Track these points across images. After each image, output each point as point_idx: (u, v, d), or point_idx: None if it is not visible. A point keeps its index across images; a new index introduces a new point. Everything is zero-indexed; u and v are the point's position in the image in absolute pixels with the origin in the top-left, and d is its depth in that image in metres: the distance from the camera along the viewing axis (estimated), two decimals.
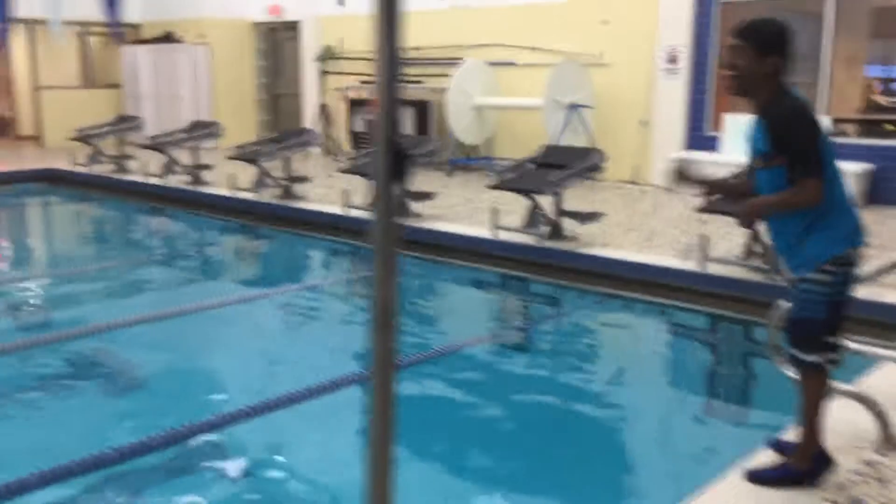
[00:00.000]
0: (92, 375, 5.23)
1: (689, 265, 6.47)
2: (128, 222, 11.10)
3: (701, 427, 4.64)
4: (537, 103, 11.05)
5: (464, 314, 7.00)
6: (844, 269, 3.00)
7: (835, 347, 3.08)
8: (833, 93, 10.01)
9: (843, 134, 10.09)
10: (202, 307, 6.45)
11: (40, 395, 4.85)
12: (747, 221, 3.02)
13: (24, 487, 3.52)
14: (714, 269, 6.35)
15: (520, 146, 11.15)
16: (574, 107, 11.05)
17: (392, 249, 1.49)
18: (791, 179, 2.89)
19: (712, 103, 10.68)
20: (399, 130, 1.39)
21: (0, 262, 8.83)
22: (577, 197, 9.48)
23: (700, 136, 10.63)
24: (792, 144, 2.87)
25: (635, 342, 6.22)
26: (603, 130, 11.25)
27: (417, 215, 8.62)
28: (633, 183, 11.07)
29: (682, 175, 3.17)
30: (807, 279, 3.01)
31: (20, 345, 5.52)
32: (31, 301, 7.12)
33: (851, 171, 9.10)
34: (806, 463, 3.20)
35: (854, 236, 3.02)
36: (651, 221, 8.37)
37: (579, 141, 10.89)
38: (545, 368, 5.55)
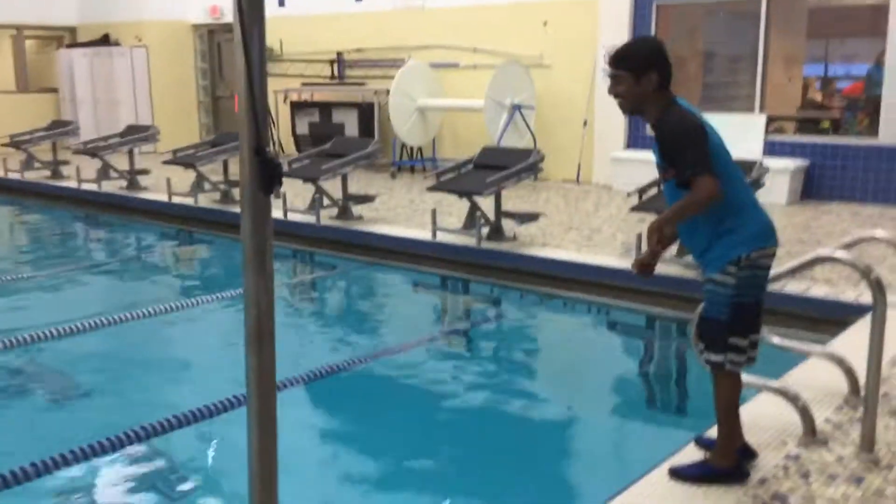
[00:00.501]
0: (24, 387, 5.08)
1: (627, 264, 6.50)
2: (62, 230, 10.82)
3: (633, 424, 4.66)
4: (480, 104, 11.04)
5: (404, 317, 6.94)
6: (748, 272, 3.01)
7: (741, 349, 3.08)
8: (770, 91, 10.17)
9: (781, 131, 10.26)
10: (137, 315, 6.29)
11: None
12: (654, 239, 3.01)
13: None
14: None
15: (464, 147, 11.13)
16: (516, 107, 11.07)
17: (265, 261, 1.43)
18: (683, 184, 2.91)
19: None
20: (265, 137, 1.32)
21: None
22: (519, 197, 9.49)
23: (640, 136, 10.71)
24: (678, 152, 2.92)
25: (574, 342, 6.22)
26: (545, 131, 11.28)
27: (359, 218, 8.54)
28: (575, 182, 11.12)
29: (645, 267, 3.09)
30: (711, 279, 3.05)
31: None
32: None
33: (788, 167, 9.26)
34: (727, 461, 3.21)
35: (760, 238, 3.04)
36: (592, 220, 8.40)
37: (522, 141, 10.91)
38: (484, 369, 5.52)
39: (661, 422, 4.75)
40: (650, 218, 6.88)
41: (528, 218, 7.58)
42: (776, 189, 8.75)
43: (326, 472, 3.98)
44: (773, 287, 4.79)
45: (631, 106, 3.05)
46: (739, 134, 9.48)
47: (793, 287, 5.73)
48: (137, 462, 3.99)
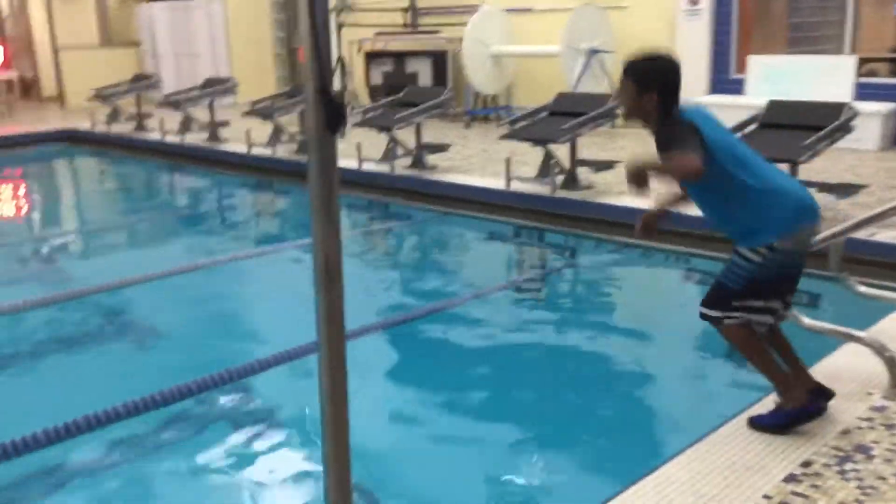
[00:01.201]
0: (111, 330, 5.29)
1: None
2: (147, 180, 11.14)
3: (711, 375, 4.58)
4: (555, 50, 10.81)
5: (477, 266, 6.95)
6: (780, 256, 3.02)
7: (755, 308, 3.09)
8: (862, 31, 9.66)
9: (873, 74, 9.76)
10: (218, 262, 6.46)
11: (61, 349, 4.92)
12: (633, 178, 3.01)
13: (37, 443, 3.57)
14: None
15: (540, 94, 10.93)
16: (593, 52, 10.80)
17: (331, 203, 1.43)
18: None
19: (736, 45, 10.37)
20: (329, 77, 1.31)
21: (22, 220, 8.92)
22: (595, 145, 9.32)
23: (724, 79, 10.35)
24: (668, 144, 2.95)
25: (651, 292, 6.13)
26: None
27: (433, 167, 8.54)
28: None
29: (638, 177, 3.05)
30: (739, 252, 3.08)
31: (41, 301, 5.58)
32: (52, 257, 7.19)
33: (879, 111, 8.82)
34: (795, 401, 3.15)
35: (797, 220, 3.02)
36: None
37: (600, 88, 10.67)
38: (558, 318, 5.49)
39: (740, 375, 4.66)
40: None
41: (604, 166, 7.44)
42: (867, 134, 8.36)
43: (399, 418, 4.04)
44: (860, 234, 4.61)
45: (631, 115, 3.13)
46: (827, 76, 9.07)
47: (883, 235, 5.50)
48: (217, 406, 4.12)
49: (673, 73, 3.09)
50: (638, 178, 3.00)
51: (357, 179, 8.44)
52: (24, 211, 9.50)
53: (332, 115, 1.30)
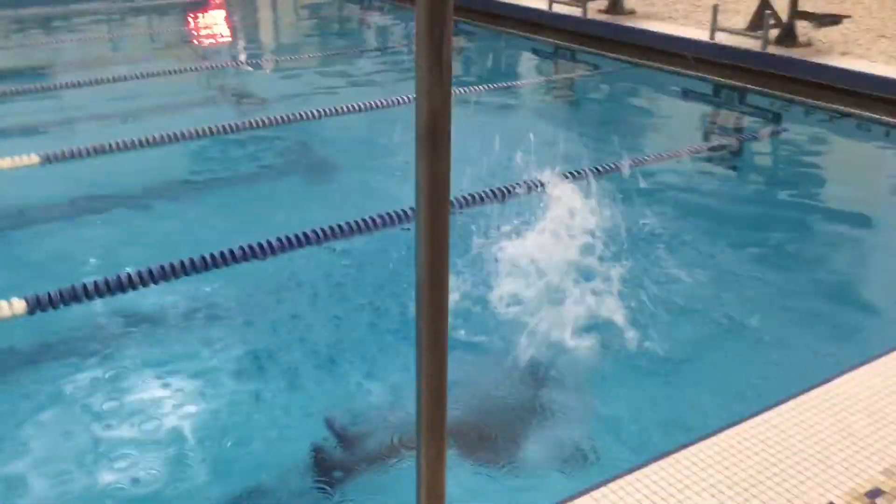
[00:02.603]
0: (299, 161, 5.31)
1: None
2: (348, 18, 10.99)
3: None
4: None
5: (668, 125, 6.33)
6: None
7: None
8: None
9: None
10: (396, 101, 6.25)
11: (254, 174, 5.02)
12: None
13: (225, 260, 3.73)
14: None
15: None
16: None
17: (443, 39, 1.08)
18: None
19: None
20: None
21: (228, 46, 9.03)
22: None
23: None
24: None
25: (866, 170, 5.34)
26: None
27: (630, 12, 7.78)
28: None
29: None
30: None
31: (236, 127, 5.64)
32: (250, 88, 7.23)
33: None
34: None
35: None
36: None
37: None
38: (752, 189, 4.93)
39: None
40: None
41: (829, 20, 6.44)
42: None
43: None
44: None
45: None
46: None
47: None
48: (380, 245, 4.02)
49: None
50: None
51: (546, 22, 7.85)
52: (230, 39, 9.64)
53: None
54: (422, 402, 1.30)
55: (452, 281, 3.18)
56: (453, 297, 3.35)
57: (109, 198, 4.63)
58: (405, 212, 4.14)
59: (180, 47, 8.61)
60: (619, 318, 3.25)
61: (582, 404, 2.87)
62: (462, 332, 3.18)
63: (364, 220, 4.06)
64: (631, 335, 3.16)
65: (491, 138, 4.65)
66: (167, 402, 2.87)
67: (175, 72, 7.21)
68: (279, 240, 3.86)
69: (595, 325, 3.22)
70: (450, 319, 1.27)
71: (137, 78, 6.87)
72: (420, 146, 1.15)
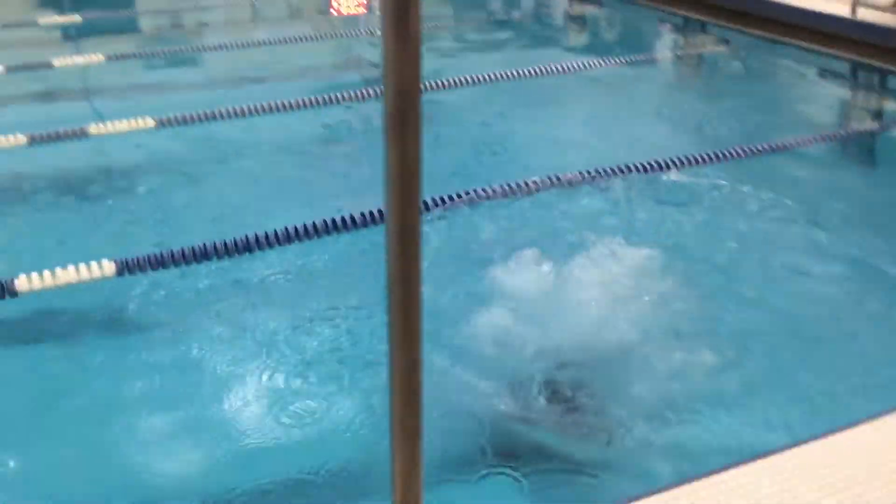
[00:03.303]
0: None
1: None
2: None
3: None
4: None
5: (799, 107, 5.92)
6: None
7: None
8: None
9: None
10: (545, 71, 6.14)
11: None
12: None
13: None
14: None
15: None
16: None
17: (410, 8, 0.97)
18: None
19: None
20: None
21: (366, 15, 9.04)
22: None
23: None
24: None
25: None
26: None
27: None
28: None
29: None
30: None
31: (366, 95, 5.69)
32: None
33: None
34: None
35: None
36: None
37: None
38: (887, 180, 4.51)
39: None
40: None
41: None
42: None
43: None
44: None
45: None
46: None
47: None
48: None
49: None
50: None
51: None
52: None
53: None
54: (394, 402, 1.21)
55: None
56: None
57: (240, 161, 4.73)
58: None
59: (319, 14, 8.72)
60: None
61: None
62: None
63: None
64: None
65: (608, 116, 4.54)
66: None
67: (311, 38, 7.32)
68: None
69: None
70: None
71: (273, 43, 6.95)
72: (388, 128, 1.04)
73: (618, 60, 6.42)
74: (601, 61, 6.37)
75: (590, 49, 7.50)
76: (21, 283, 3.33)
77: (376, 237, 3.65)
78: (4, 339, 3.28)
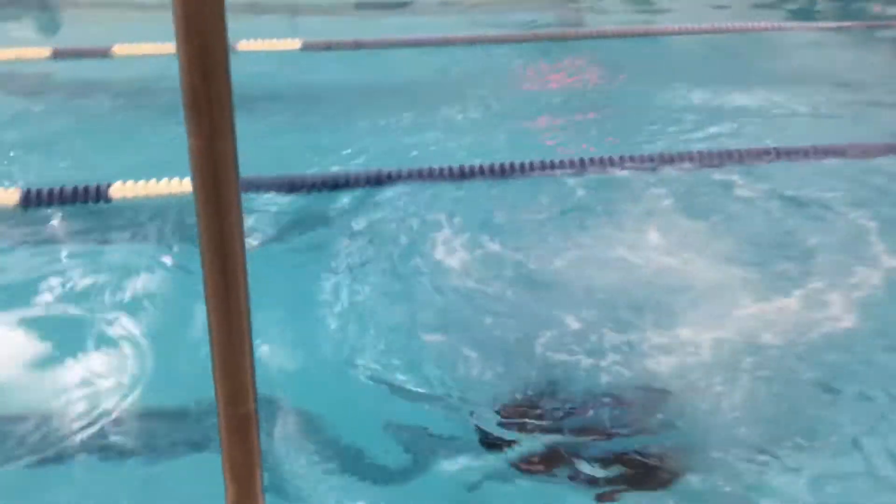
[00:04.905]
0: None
1: None
2: None
3: None
4: None
5: None
6: None
7: None
8: None
9: None
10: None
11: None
12: None
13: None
14: None
15: None
16: None
17: None
18: None
19: None
20: None
21: None
22: None
23: None
24: None
25: None
26: None
27: None
28: None
29: None
30: None
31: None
32: None
33: None
34: None
35: None
36: None
37: None
38: None
39: None
40: None
41: None
42: None
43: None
44: None
45: None
46: None
47: None
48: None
49: None
50: None
51: None
52: None
53: None
54: (219, 398, 1.08)
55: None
56: None
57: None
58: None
59: None
60: None
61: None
62: None
63: None
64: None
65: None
66: None
67: None
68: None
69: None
70: None
71: None
72: (186, 94, 0.89)
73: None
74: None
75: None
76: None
77: None
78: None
